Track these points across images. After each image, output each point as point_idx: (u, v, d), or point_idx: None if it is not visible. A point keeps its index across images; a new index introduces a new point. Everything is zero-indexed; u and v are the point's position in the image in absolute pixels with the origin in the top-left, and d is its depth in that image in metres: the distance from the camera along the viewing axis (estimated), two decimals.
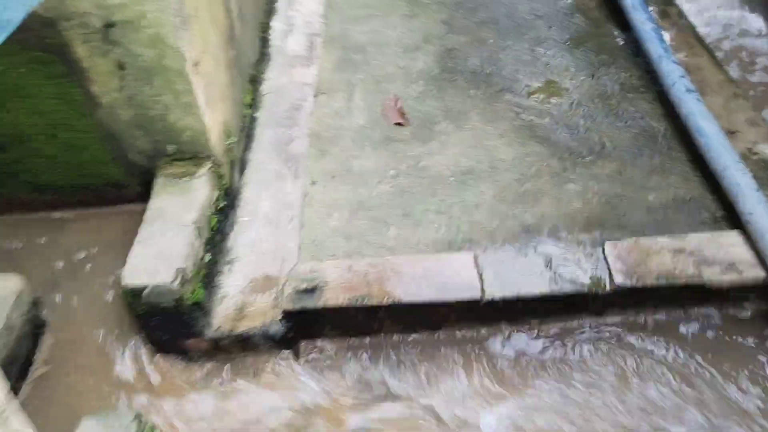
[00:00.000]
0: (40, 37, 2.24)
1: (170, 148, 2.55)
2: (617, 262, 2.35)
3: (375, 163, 2.89)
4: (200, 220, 2.38)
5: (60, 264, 2.55)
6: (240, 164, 2.86)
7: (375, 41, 3.62)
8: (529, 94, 3.18)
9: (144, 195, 2.55)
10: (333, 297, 2.31)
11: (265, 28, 3.69)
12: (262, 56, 3.50)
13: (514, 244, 2.47)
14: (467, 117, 3.08)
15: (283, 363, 2.34)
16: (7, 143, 2.50)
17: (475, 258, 2.39)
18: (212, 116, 2.54)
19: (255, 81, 3.30)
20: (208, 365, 2.32)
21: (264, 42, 3.60)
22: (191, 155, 2.57)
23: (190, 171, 2.54)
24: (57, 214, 2.70)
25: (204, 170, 2.54)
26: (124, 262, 2.18)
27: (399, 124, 3.08)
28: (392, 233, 2.57)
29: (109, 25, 2.22)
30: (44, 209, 2.70)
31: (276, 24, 3.77)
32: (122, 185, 2.67)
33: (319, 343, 2.39)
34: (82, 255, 2.57)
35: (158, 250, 2.22)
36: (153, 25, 2.22)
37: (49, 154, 2.54)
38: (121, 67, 2.32)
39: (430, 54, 3.48)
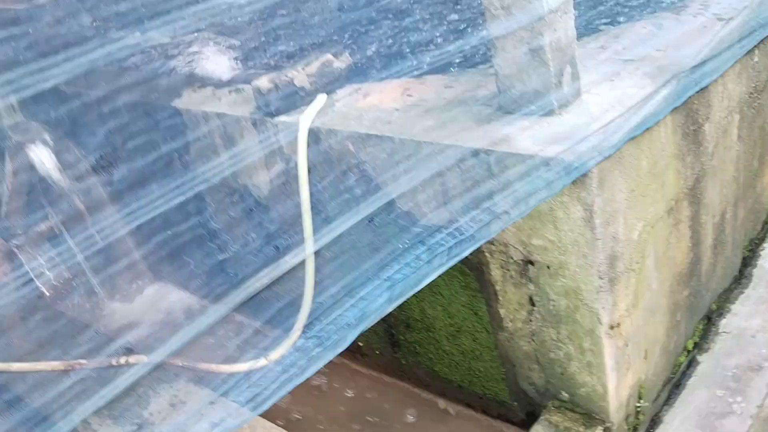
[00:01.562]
0: None
1: (563, 395, 2.21)
2: None
3: None
4: None
5: None
6: (648, 426, 2.33)
7: None
8: None
9: (526, 424, 2.30)
10: None
11: (754, 244, 2.98)
12: (737, 281, 2.82)
13: None
14: None
15: None
16: (413, 324, 2.53)
17: None
18: (621, 380, 2.10)
19: (713, 314, 2.68)
20: None
21: (746, 261, 2.90)
22: (583, 412, 2.17)
23: (575, 429, 2.16)
24: (442, 403, 2.63)
25: None
26: None
27: None
28: None
29: (528, 262, 2.01)
30: (434, 393, 2.67)
31: None
32: (506, 405, 2.44)
33: None
34: None
35: None
36: (571, 278, 1.92)
37: (446, 349, 2.48)
38: (531, 302, 2.09)
39: None
